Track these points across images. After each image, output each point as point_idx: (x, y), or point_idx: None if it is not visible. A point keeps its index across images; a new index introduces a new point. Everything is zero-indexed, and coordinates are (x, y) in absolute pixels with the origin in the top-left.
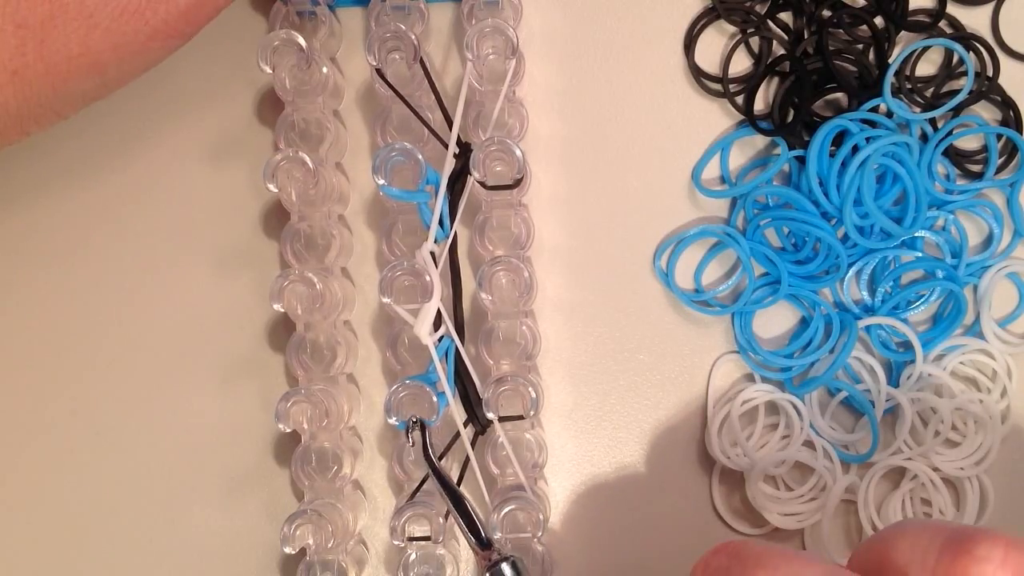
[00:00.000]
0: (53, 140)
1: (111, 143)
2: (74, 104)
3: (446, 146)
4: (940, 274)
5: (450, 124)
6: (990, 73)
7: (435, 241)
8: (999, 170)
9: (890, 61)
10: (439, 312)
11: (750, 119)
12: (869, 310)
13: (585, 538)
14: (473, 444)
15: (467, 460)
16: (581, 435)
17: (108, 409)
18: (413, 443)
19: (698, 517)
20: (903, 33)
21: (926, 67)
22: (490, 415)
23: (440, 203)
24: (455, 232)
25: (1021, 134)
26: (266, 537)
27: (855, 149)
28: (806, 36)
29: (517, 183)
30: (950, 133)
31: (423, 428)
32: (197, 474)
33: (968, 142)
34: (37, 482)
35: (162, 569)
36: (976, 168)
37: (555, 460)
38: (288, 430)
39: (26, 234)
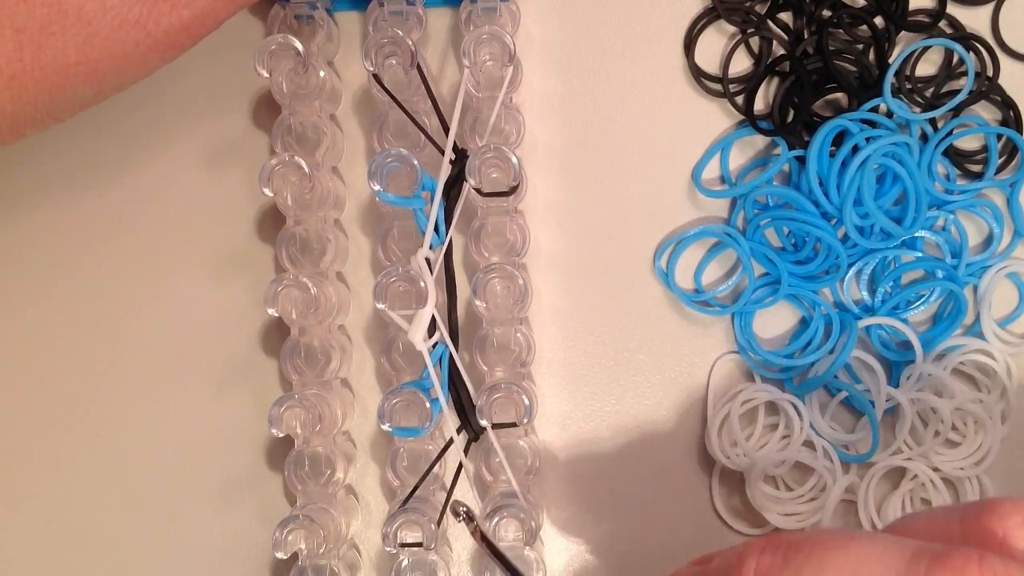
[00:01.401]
0: (51, 143)
1: (108, 147)
2: (70, 109)
3: (442, 152)
4: (940, 274)
5: (447, 130)
6: (990, 73)
7: (430, 247)
8: (999, 170)
9: (890, 61)
10: (433, 318)
11: (750, 119)
12: (869, 310)
13: (584, 539)
14: (466, 451)
15: (460, 467)
16: (581, 436)
17: (103, 412)
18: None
19: (698, 517)
20: (903, 33)
21: (926, 67)
22: (483, 422)
23: (436, 209)
24: (450, 238)
25: (1021, 134)
26: (259, 541)
27: (855, 149)
28: (806, 36)
29: (513, 190)
30: (950, 133)
31: (478, 528)
32: (191, 477)
33: (968, 142)
34: (33, 483)
35: (155, 572)
36: (976, 168)
37: (554, 460)
38: (281, 435)
39: (24, 238)
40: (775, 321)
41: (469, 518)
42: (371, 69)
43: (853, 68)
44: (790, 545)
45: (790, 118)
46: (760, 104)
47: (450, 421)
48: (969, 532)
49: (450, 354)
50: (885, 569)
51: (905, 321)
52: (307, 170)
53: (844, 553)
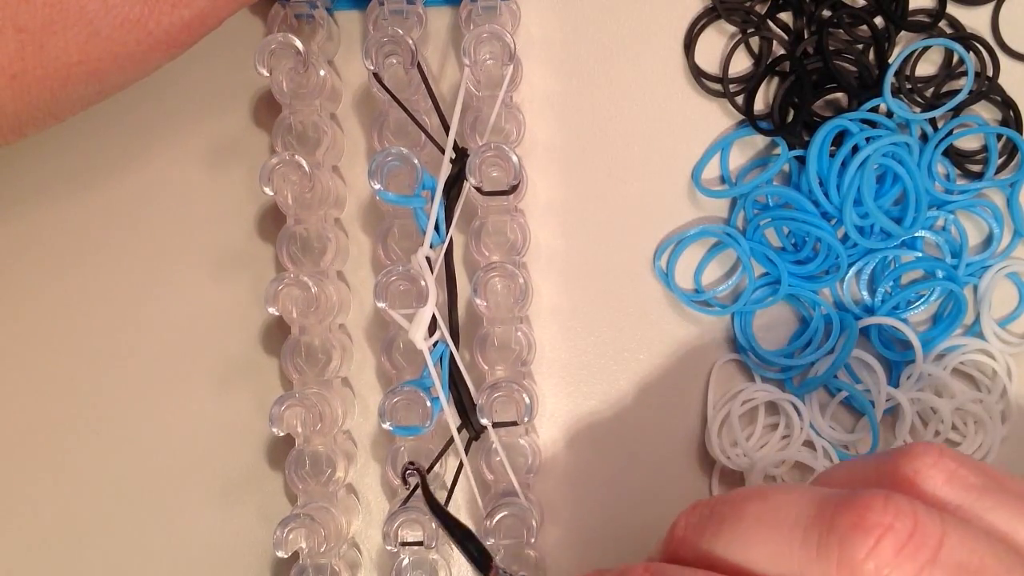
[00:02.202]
0: (51, 142)
1: (108, 146)
2: (72, 108)
3: (443, 151)
4: (940, 274)
5: (447, 129)
6: (990, 73)
7: (431, 246)
8: (999, 170)
9: (890, 61)
10: (434, 317)
11: (750, 119)
12: (869, 310)
13: (584, 539)
14: (467, 449)
15: (460, 465)
16: (580, 436)
17: (104, 411)
18: (409, 487)
19: None
20: (903, 33)
21: (926, 67)
22: (484, 421)
23: (436, 208)
24: (451, 237)
25: (1021, 134)
26: (259, 540)
27: (855, 149)
28: (806, 36)
29: (513, 189)
30: (950, 133)
31: (422, 476)
32: (191, 477)
33: (968, 142)
34: (32, 483)
35: (156, 571)
36: (976, 168)
37: (553, 461)
38: (282, 434)
39: (25, 237)
40: (775, 321)
41: (418, 472)
42: (371, 68)
43: (853, 68)
44: (717, 500)
45: (790, 118)
46: (760, 104)
47: (451, 420)
48: (883, 476)
49: (451, 353)
50: (798, 513)
51: (905, 321)
52: (307, 169)
53: (762, 501)
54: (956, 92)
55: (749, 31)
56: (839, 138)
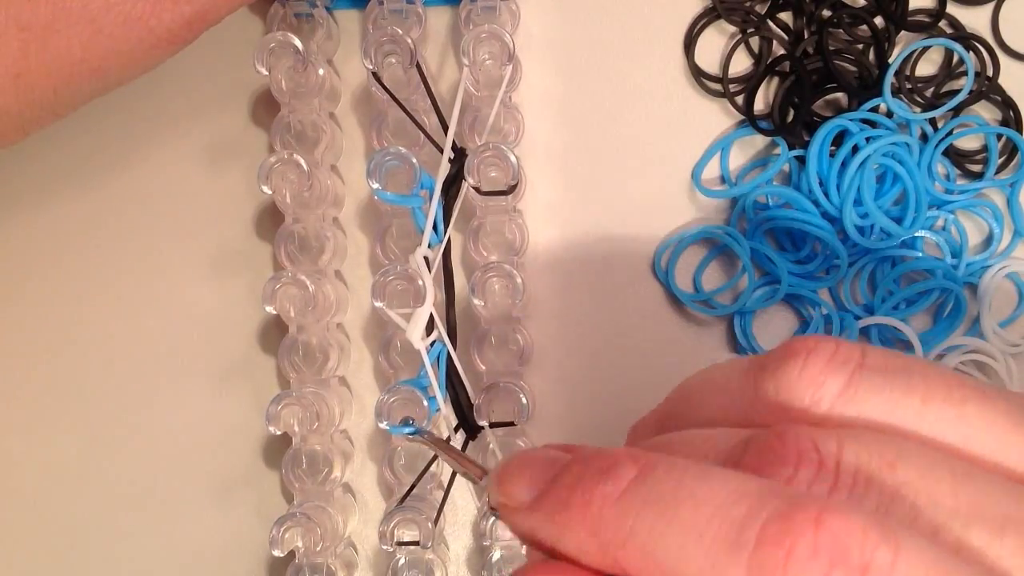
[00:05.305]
0: (47, 140)
1: (106, 144)
2: (74, 105)
3: (441, 151)
4: (940, 274)
5: (446, 129)
6: (990, 73)
7: (429, 246)
8: (999, 170)
9: (890, 61)
10: (432, 317)
11: (750, 119)
12: (869, 310)
13: None
14: (463, 449)
15: None
16: (579, 437)
17: (100, 409)
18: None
19: None
20: (903, 33)
21: (926, 67)
22: (481, 421)
23: (434, 208)
24: (449, 237)
25: (1021, 134)
26: (256, 539)
27: (855, 149)
28: (806, 36)
29: (511, 189)
30: (950, 133)
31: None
32: (187, 475)
33: (968, 142)
34: (28, 482)
35: (152, 570)
36: (976, 168)
37: None
38: (279, 432)
39: (21, 235)
40: (775, 321)
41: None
42: (370, 67)
43: (853, 68)
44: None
45: (790, 118)
46: (760, 104)
47: (447, 419)
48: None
49: (448, 353)
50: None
51: (905, 321)
52: (306, 168)
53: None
54: (956, 92)
55: (749, 31)
56: (839, 138)
